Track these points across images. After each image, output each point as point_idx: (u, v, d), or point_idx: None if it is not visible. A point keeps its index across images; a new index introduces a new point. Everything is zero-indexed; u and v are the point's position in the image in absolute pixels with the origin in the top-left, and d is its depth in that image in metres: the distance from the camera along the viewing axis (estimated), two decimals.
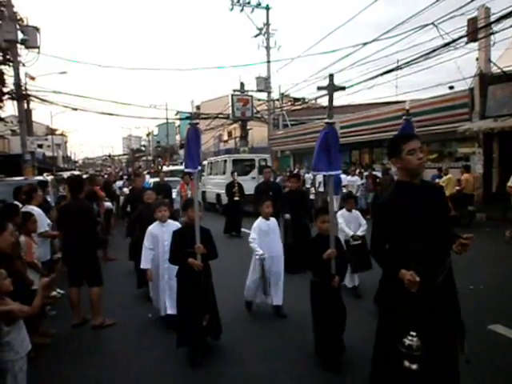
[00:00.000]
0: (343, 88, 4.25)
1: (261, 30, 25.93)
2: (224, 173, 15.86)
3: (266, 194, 7.51)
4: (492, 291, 5.32)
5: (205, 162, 18.84)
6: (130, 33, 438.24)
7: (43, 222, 5.12)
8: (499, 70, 13.28)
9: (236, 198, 11.46)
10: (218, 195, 15.98)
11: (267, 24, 25.83)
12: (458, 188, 11.64)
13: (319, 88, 3.40)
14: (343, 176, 16.35)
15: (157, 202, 5.40)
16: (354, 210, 6.32)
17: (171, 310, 4.82)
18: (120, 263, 7.99)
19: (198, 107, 44.24)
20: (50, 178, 10.39)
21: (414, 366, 2.43)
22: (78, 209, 5.10)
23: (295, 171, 21.45)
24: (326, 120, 3.98)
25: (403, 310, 2.51)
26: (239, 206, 11.59)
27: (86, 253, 5.05)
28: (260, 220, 5.33)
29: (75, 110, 22.97)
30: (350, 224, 6.10)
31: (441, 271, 2.60)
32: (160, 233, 4.96)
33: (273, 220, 5.39)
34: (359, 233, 6.05)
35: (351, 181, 14.93)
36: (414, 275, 2.42)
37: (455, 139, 15.24)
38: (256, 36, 26.17)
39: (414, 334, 2.43)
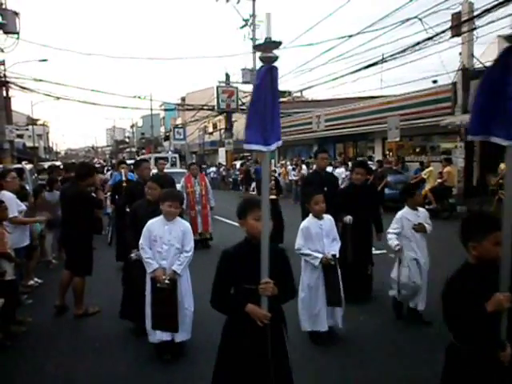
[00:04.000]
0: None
1: (247, 21, 25.74)
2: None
3: (316, 187, 5.29)
4: None
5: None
6: (114, 22, 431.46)
7: (13, 208, 4.93)
8: (481, 65, 13.44)
9: (272, 196, 7.77)
10: None
11: (253, 15, 25.65)
12: (439, 181, 11.79)
13: None
14: (329, 168, 16.40)
15: (168, 192, 3.96)
16: (421, 209, 4.54)
17: (167, 335, 3.74)
18: (99, 253, 7.87)
19: (182, 99, 43.88)
20: (28, 166, 10.21)
21: None
22: (72, 195, 5.02)
23: (297, 161, 20.84)
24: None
25: None
26: (277, 207, 8.17)
27: (77, 241, 4.97)
28: (310, 219, 4.10)
29: (57, 98, 22.57)
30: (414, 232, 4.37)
31: None
32: (161, 232, 3.75)
33: (327, 219, 4.09)
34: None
35: (337, 173, 14.99)
36: None
37: (438, 133, 15.42)
38: (242, 27, 25.96)
39: None
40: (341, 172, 14.97)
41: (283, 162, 21.66)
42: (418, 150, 17.08)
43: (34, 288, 5.94)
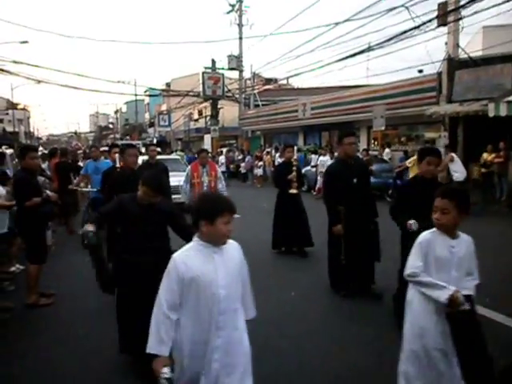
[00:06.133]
0: None
1: (233, 6, 25.43)
2: None
3: (347, 180, 4.81)
4: None
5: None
6: (97, 3, 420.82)
7: None
8: (467, 56, 13.56)
9: (293, 191, 6.87)
10: None
11: (240, 0, 25.34)
12: None
13: None
14: (313, 156, 16.47)
15: (221, 200, 2.30)
16: None
17: None
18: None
19: (168, 84, 43.29)
20: (9, 151, 9.97)
21: None
22: (14, 181, 4.93)
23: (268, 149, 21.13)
24: None
25: None
26: (300, 204, 7.03)
27: (22, 227, 4.84)
28: (433, 234, 2.60)
29: (39, 82, 22.09)
30: None
31: None
32: (211, 269, 2.18)
33: (463, 240, 2.59)
34: None
35: (322, 161, 15.05)
36: None
37: (422, 123, 15.57)
38: (228, 12, 25.68)
39: None
40: (325, 160, 15.02)
41: (268, 149, 21.68)
42: (402, 139, 17.24)
43: (15, 274, 5.85)
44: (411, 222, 3.73)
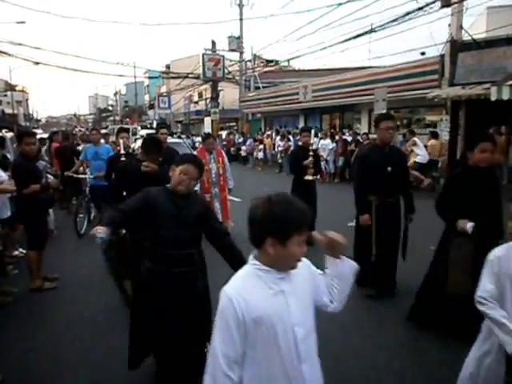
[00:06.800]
0: None
1: None
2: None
3: (380, 168, 4.36)
4: None
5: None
6: None
7: None
8: (470, 38, 13.36)
9: (309, 177, 6.39)
10: None
11: None
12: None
13: None
14: (315, 139, 16.39)
15: (300, 208, 1.53)
16: None
17: None
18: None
19: (167, 66, 42.82)
20: (9, 134, 9.92)
21: None
22: (12, 167, 4.90)
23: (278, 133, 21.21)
24: None
25: None
26: (314, 193, 6.59)
27: (22, 213, 4.84)
28: (508, 249, 2.18)
29: (37, 64, 21.86)
30: None
31: None
32: (279, 305, 1.54)
33: None
34: None
35: (323, 144, 15.01)
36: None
37: (424, 106, 15.46)
38: None
39: None
40: (326, 144, 14.97)
41: (269, 132, 21.57)
42: (404, 121, 17.16)
43: (19, 258, 5.91)
44: (466, 223, 3.23)
